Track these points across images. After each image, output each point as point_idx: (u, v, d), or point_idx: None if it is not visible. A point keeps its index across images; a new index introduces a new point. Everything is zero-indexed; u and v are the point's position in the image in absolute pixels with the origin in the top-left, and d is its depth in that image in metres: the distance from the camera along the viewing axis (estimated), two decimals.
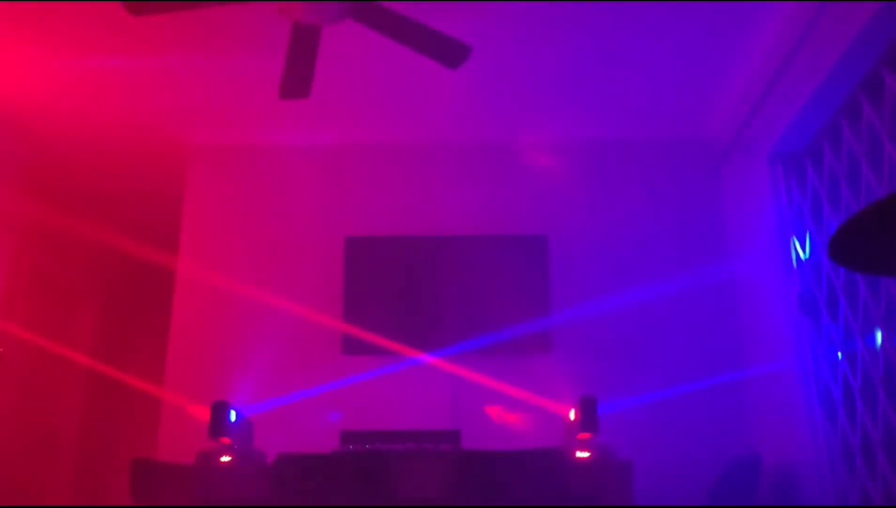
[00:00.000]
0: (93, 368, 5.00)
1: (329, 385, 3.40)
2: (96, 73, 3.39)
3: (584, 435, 2.64)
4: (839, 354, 2.80)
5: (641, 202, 3.80)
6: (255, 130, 3.89)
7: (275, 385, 3.45)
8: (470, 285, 3.61)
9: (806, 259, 3.04)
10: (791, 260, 3.07)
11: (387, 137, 3.92)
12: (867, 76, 2.54)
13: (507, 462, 2.47)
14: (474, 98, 3.61)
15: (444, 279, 3.62)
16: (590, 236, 3.74)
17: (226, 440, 2.72)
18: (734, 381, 3.43)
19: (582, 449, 2.61)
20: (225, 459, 2.71)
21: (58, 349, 4.67)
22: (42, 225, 4.43)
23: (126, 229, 5.17)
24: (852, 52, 2.51)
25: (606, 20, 3.02)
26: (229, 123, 3.85)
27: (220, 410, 2.73)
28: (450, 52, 2.72)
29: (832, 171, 2.86)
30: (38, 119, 3.80)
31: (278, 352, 3.56)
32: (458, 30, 2.71)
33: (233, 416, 2.77)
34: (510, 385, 3.45)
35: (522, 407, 3.40)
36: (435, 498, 2.45)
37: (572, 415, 2.82)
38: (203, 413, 2.77)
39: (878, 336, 2.56)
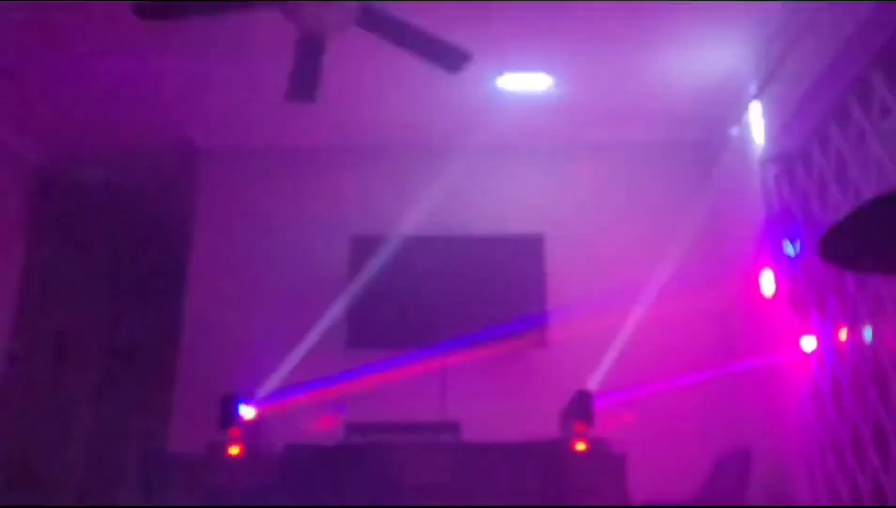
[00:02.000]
0: (103, 363, 5.06)
1: (334, 379, 3.47)
2: (105, 75, 3.44)
3: (580, 428, 2.70)
4: (829, 350, 2.84)
5: (635, 202, 3.86)
6: (264, 132, 3.96)
7: (282, 377, 3.52)
8: (470, 282, 3.68)
9: (796, 257, 3.09)
10: (782, 258, 3.12)
11: (390, 138, 3.98)
12: (856, 79, 2.58)
13: (505, 453, 2.53)
14: (474, 98, 3.66)
15: (445, 276, 3.69)
16: (584, 235, 3.81)
17: (234, 431, 2.78)
18: (726, 376, 3.47)
19: (577, 442, 2.67)
20: (233, 450, 2.77)
21: (67, 347, 4.74)
22: (55, 225, 4.49)
23: (137, 228, 5.23)
24: (842, 55, 2.56)
25: (604, 21, 3.07)
26: (239, 125, 3.91)
27: (228, 402, 2.79)
28: (450, 58, 2.78)
29: (821, 172, 2.91)
30: (48, 121, 3.87)
31: (286, 345, 3.62)
32: (458, 29, 2.77)
33: (241, 408, 2.84)
34: (508, 380, 3.52)
35: (520, 400, 3.47)
36: (436, 488, 2.51)
37: (568, 410, 2.88)
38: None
39: (867, 332, 2.60)
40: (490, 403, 3.49)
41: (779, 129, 3.05)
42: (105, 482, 4.95)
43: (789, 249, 3.12)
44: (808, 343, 2.96)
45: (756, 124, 3.26)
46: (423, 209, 3.86)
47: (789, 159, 3.15)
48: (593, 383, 2.77)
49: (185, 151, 4.05)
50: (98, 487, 4.86)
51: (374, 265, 3.71)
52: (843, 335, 2.77)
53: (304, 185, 3.97)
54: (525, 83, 3.57)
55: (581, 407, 2.66)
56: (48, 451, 4.49)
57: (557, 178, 3.95)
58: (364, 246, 3.76)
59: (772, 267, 3.16)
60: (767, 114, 3.13)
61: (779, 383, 3.12)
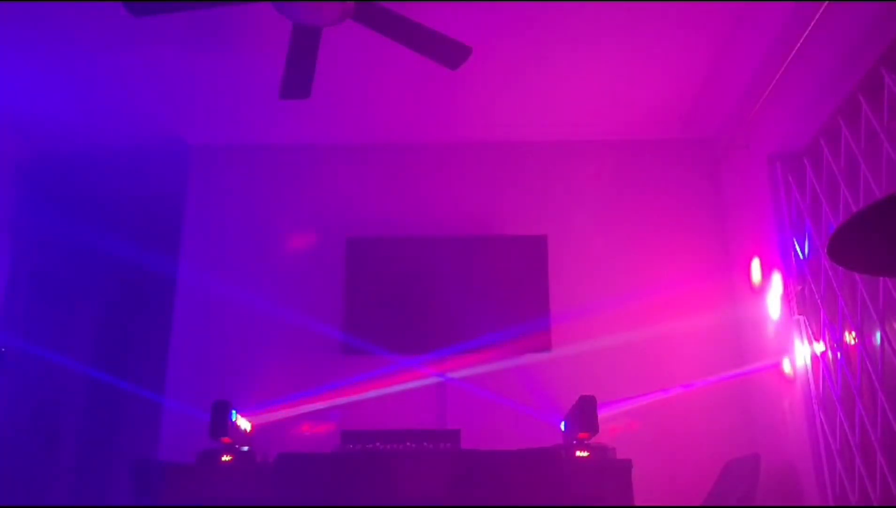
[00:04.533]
0: (93, 368, 5.00)
1: (329, 386, 3.41)
2: (96, 73, 3.39)
3: (584, 435, 2.64)
4: (838, 353, 2.81)
5: (641, 202, 3.81)
6: (257, 130, 3.90)
7: (275, 385, 3.46)
8: (470, 285, 3.62)
9: (805, 259, 3.05)
10: (790, 259, 3.08)
11: (387, 137, 3.92)
12: (866, 76, 2.55)
13: (507, 461, 2.47)
14: (474, 98, 3.61)
15: (444, 279, 3.63)
16: (589, 236, 3.75)
17: (226, 440, 2.72)
18: (733, 380, 3.43)
19: (581, 449, 2.61)
20: (225, 459, 2.71)
21: (58, 350, 4.68)
22: (42, 226, 4.43)
23: (127, 230, 5.18)
24: (851, 52, 2.52)
25: (606, 20, 3.03)
26: (230, 123, 3.85)
27: (220, 410, 2.73)
28: (450, 53, 2.73)
29: (831, 171, 2.87)
30: (37, 120, 3.81)
31: (279, 352, 3.56)
32: (458, 30, 2.72)
33: (234, 416, 2.77)
34: (510, 385, 3.46)
35: (522, 407, 3.41)
36: (435, 498, 2.45)
37: (571, 416, 2.83)
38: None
39: (877, 336, 2.56)
40: (491, 409, 3.43)
41: (788, 127, 3.01)
42: (95, 489, 4.89)
43: (798, 250, 3.08)
44: (818, 346, 2.92)
45: (764, 122, 3.22)
46: (422, 210, 3.81)
47: (798, 158, 3.12)
48: (597, 388, 2.71)
49: (175, 150, 3.98)
50: (88, 494, 4.80)
51: (370, 268, 3.65)
52: (852, 337, 2.73)
53: (299, 185, 3.90)
54: (524, 81, 3.51)
55: (585, 413, 2.60)
56: (37, 456, 4.43)
57: (561, 177, 3.89)
58: (361, 248, 3.69)
59: (780, 268, 3.12)
60: (776, 111, 3.09)
61: (787, 387, 3.08)
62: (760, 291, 3.33)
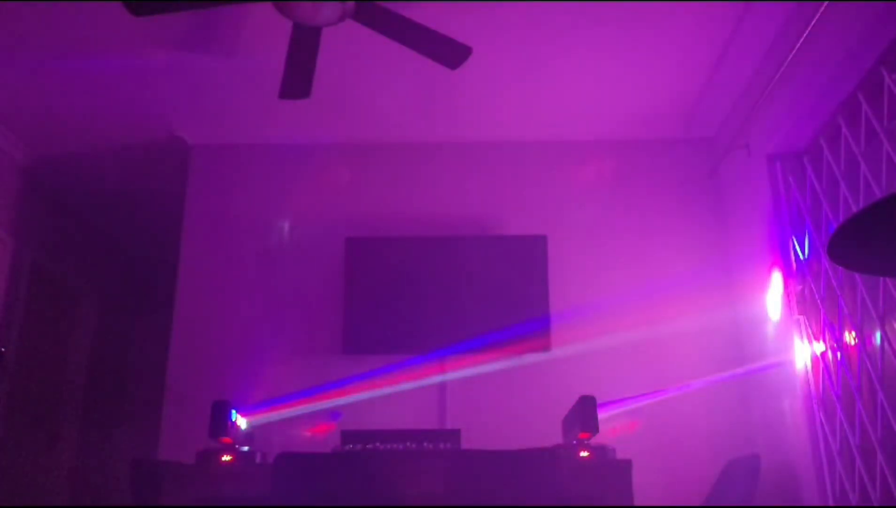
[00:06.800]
0: (93, 368, 5.00)
1: (329, 385, 3.41)
2: (95, 72, 3.39)
3: (584, 435, 2.64)
4: (838, 353, 2.81)
5: (640, 202, 3.81)
6: (256, 130, 3.90)
7: (275, 385, 3.46)
8: (469, 285, 3.62)
9: (805, 259, 3.05)
10: (790, 259, 3.08)
11: (387, 137, 3.92)
12: (866, 76, 2.55)
13: (507, 461, 2.47)
14: (474, 98, 3.61)
15: (444, 279, 3.63)
16: (589, 235, 3.75)
17: (226, 439, 2.72)
18: (733, 380, 3.43)
19: (581, 449, 2.61)
20: (225, 458, 2.71)
21: (58, 349, 4.68)
22: (42, 225, 4.43)
23: (126, 229, 5.19)
24: (852, 51, 2.52)
25: (606, 20, 3.03)
26: (230, 123, 3.86)
27: (220, 409, 2.73)
28: (449, 53, 2.73)
29: (831, 171, 2.87)
30: (37, 120, 3.81)
31: (279, 352, 3.56)
32: (458, 30, 2.72)
33: (233, 416, 2.77)
34: (510, 385, 3.46)
35: (522, 407, 3.41)
36: (434, 498, 2.45)
37: (571, 416, 2.83)
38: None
39: (877, 336, 2.56)
40: (491, 409, 3.43)
41: (787, 127, 3.01)
42: (94, 489, 4.89)
43: (798, 250, 3.08)
44: (818, 346, 2.92)
45: (764, 122, 3.22)
46: (422, 210, 3.81)
47: (798, 158, 3.12)
48: (597, 388, 2.71)
49: (175, 150, 3.98)
50: (88, 494, 4.80)
51: (370, 268, 3.65)
52: (852, 337, 2.73)
53: (298, 184, 3.90)
54: (524, 81, 3.51)
55: (585, 413, 2.60)
56: (36, 454, 4.42)
57: (561, 177, 3.89)
58: (360, 248, 3.69)
59: (780, 268, 3.12)
60: (776, 111, 3.08)
61: (787, 388, 3.08)
62: (760, 291, 3.32)
